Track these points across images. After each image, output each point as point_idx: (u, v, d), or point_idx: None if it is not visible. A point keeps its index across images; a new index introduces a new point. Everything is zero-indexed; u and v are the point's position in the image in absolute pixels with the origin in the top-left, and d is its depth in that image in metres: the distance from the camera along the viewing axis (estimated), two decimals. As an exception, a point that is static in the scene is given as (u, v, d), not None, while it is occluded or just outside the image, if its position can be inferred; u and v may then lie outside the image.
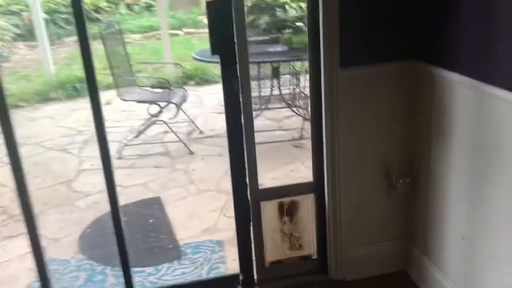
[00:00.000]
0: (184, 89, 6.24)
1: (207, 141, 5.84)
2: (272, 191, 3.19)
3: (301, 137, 5.54)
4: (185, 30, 11.37)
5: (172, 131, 5.76)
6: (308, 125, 3.45)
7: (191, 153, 5.45)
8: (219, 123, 6.00)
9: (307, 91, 5.24)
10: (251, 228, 3.20)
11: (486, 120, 2.22)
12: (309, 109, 3.53)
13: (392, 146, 3.08)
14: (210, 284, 3.37)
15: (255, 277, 3.34)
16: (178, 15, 11.83)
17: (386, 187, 3.18)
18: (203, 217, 4.14)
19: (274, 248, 3.32)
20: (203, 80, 8.12)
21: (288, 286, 3.34)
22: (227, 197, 4.20)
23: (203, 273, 3.47)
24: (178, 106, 5.77)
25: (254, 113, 2.99)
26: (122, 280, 2.98)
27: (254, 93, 5.62)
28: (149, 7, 12.49)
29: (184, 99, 5.99)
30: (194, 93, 7.50)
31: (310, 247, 3.37)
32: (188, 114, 6.23)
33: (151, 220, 4.11)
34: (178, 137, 5.81)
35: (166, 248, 3.78)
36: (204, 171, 4.99)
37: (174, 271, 3.55)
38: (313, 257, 3.39)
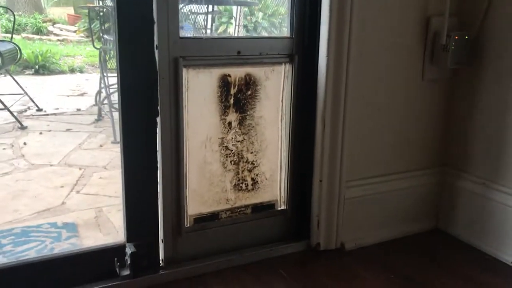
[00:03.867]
0: (15, 44, 4.23)
1: (50, 118, 4.50)
2: (207, 47, 1.45)
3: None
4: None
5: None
6: None
7: (23, 127, 4.00)
8: (68, 104, 4.74)
9: None
10: (158, 133, 1.42)
11: None
12: None
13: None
14: (64, 261, 1.43)
15: (162, 251, 1.51)
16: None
17: (423, 58, 1.68)
18: (41, 195, 2.73)
19: (205, 185, 1.55)
20: (46, 69, 6.15)
21: (229, 268, 1.56)
22: (82, 171, 3.04)
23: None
24: (1, 55, 3.76)
25: None
26: None
27: None
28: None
29: (13, 56, 4.03)
30: (32, 81, 5.85)
31: (275, 187, 1.67)
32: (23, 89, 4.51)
33: None
34: (3, 103, 3.89)
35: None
36: (43, 146, 3.64)
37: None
38: (280, 208, 1.68)
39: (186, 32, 3.33)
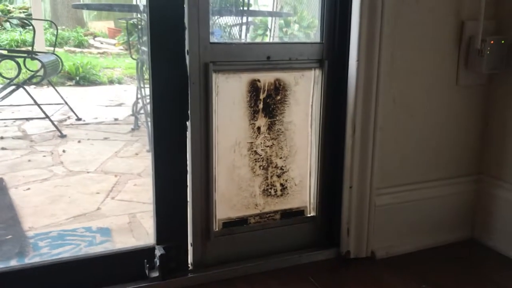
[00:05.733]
0: (57, 55, 4.38)
1: (89, 127, 4.65)
2: (237, 52, 1.47)
3: None
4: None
5: (35, 103, 3.93)
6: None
7: (63, 136, 4.12)
8: (106, 114, 4.87)
9: None
10: (188, 137, 1.44)
11: None
12: None
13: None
14: (95, 262, 1.46)
15: (191, 254, 1.52)
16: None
17: (458, 62, 1.65)
18: (77, 201, 2.82)
19: (234, 189, 1.56)
20: (86, 81, 6.34)
21: (257, 273, 1.56)
22: (118, 178, 3.12)
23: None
24: (44, 66, 3.91)
25: None
26: None
27: None
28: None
29: (55, 67, 4.18)
30: (73, 92, 6.04)
31: (304, 193, 1.66)
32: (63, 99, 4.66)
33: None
34: (45, 112, 4.02)
35: (-1, 239, 2.19)
36: (81, 153, 3.76)
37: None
38: (310, 214, 1.67)
39: (217, 38, 3.38)
